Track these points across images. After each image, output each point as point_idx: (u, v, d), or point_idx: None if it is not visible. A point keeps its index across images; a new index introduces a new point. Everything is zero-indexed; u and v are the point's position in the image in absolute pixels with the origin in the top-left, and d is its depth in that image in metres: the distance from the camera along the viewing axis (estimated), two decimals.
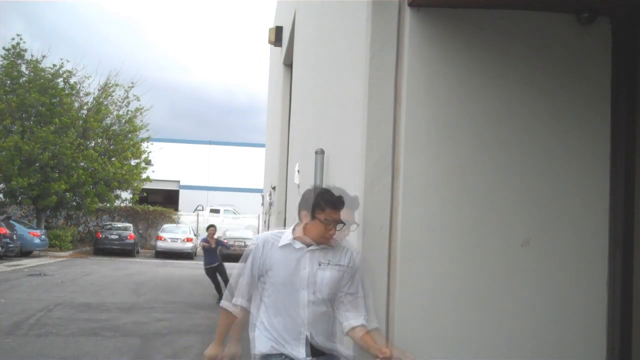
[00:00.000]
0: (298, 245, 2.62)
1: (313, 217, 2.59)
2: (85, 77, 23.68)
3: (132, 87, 23.34)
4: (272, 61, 13.13)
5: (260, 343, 2.65)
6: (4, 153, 19.44)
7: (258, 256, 2.66)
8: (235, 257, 15.45)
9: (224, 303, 2.73)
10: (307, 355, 2.58)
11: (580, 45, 2.85)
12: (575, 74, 2.84)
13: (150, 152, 24.06)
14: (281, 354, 2.59)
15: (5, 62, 20.69)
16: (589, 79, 2.85)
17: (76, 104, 21.89)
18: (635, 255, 2.72)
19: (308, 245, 2.61)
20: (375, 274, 2.79)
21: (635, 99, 2.75)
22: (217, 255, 10.31)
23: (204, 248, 10.45)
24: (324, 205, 2.57)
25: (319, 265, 2.59)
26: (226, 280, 9.92)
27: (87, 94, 22.57)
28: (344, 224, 2.57)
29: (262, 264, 2.64)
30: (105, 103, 22.73)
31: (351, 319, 2.60)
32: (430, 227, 2.75)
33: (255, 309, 2.71)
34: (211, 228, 10.62)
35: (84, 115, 21.71)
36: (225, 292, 2.76)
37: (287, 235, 2.67)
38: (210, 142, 36.06)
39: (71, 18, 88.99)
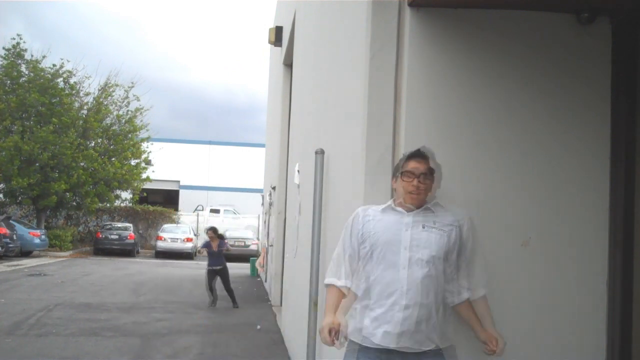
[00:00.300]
0: (399, 208, 2.51)
1: (399, 177, 2.51)
2: (85, 77, 23.76)
3: (132, 87, 23.38)
4: (272, 61, 13.13)
5: (350, 328, 2.52)
6: (4, 153, 19.44)
7: (357, 224, 2.56)
8: (235, 257, 15.33)
9: (330, 280, 2.62)
10: (395, 338, 2.38)
11: (580, 45, 2.85)
12: (575, 74, 2.84)
13: (150, 152, 24.06)
14: (367, 347, 2.44)
15: (5, 62, 20.69)
16: (589, 79, 2.85)
17: (76, 104, 21.89)
18: (635, 255, 2.72)
19: (408, 210, 2.50)
20: None
21: (635, 99, 2.75)
22: (222, 258, 9.97)
23: (208, 252, 10.05)
24: (404, 159, 2.52)
25: (422, 227, 2.46)
26: (228, 287, 9.74)
27: (87, 94, 22.58)
28: (429, 175, 2.46)
29: (361, 233, 2.54)
30: (105, 103, 22.73)
31: (455, 293, 2.50)
32: None
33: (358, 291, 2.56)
34: (209, 232, 10.21)
35: (84, 115, 21.71)
36: (330, 266, 2.64)
37: (387, 203, 2.57)
38: (210, 142, 36.06)
39: (71, 18, 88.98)
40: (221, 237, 10.27)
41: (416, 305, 2.39)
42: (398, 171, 2.52)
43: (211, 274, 9.78)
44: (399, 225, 2.47)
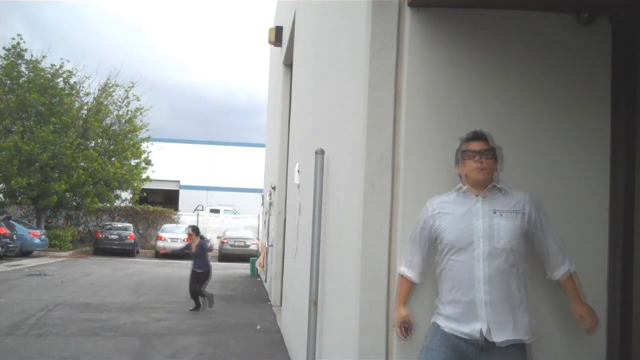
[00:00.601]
0: (468, 193, 2.50)
1: (461, 160, 2.54)
2: (85, 77, 23.83)
3: (132, 87, 23.37)
4: (272, 61, 13.13)
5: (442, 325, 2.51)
6: (3, 153, 19.43)
7: (428, 219, 2.57)
8: (235, 257, 15.26)
9: (401, 269, 2.65)
10: (482, 331, 2.36)
11: (580, 45, 2.85)
12: (575, 74, 2.84)
13: (150, 152, 24.06)
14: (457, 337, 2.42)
15: (5, 62, 20.68)
16: (589, 79, 2.85)
17: (76, 104, 21.88)
18: (635, 255, 2.72)
19: (477, 193, 2.49)
20: (375, 274, 2.79)
21: (635, 99, 2.75)
22: (206, 261, 9.13)
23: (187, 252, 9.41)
24: (464, 141, 2.55)
25: (495, 212, 2.45)
26: (201, 289, 8.98)
27: (87, 94, 22.58)
28: (489, 153, 2.47)
29: (433, 229, 2.55)
30: (106, 103, 22.73)
31: (548, 271, 2.54)
32: None
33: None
34: (188, 230, 9.38)
35: (84, 115, 21.70)
36: (404, 255, 2.67)
37: (456, 187, 2.57)
38: (210, 142, 36.06)
39: (71, 18, 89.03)
40: (202, 238, 9.41)
41: (502, 299, 2.38)
42: (460, 153, 2.55)
43: (193, 277, 9.06)
44: (471, 214, 2.47)
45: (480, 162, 2.46)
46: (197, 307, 8.93)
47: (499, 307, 2.38)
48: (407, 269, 2.64)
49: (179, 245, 19.46)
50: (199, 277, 8.98)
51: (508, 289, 2.40)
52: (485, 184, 2.49)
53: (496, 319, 2.38)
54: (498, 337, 2.37)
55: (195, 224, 26.28)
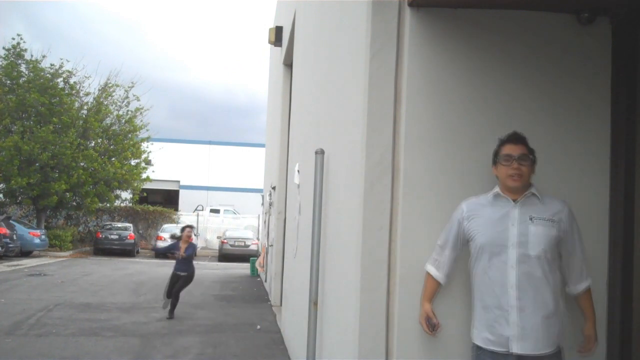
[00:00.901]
0: (505, 196, 2.47)
1: (498, 164, 2.51)
2: (85, 77, 23.78)
3: (132, 87, 23.37)
4: (272, 61, 13.13)
5: (475, 333, 2.51)
6: (3, 153, 19.42)
7: (462, 220, 2.54)
8: (235, 257, 15.16)
9: (428, 267, 2.63)
10: (513, 342, 2.35)
11: (580, 45, 2.85)
12: (575, 74, 2.84)
13: (150, 152, 24.06)
14: (492, 352, 2.42)
15: (5, 62, 20.68)
16: (589, 79, 2.85)
17: (76, 104, 21.88)
18: (635, 255, 2.72)
19: (514, 200, 2.46)
20: (375, 274, 2.79)
21: (635, 99, 2.75)
22: (191, 264, 8.58)
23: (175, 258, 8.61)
24: (500, 144, 2.52)
25: (530, 220, 2.42)
26: (177, 291, 8.35)
27: (87, 94, 22.57)
28: (526, 158, 2.44)
29: (467, 231, 2.52)
30: (106, 103, 22.73)
31: (571, 284, 2.52)
32: (430, 227, 2.75)
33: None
34: (187, 230, 8.63)
35: (84, 115, 21.70)
36: (433, 254, 2.65)
37: (493, 191, 2.53)
38: (210, 142, 36.07)
39: (71, 18, 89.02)
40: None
41: (533, 307, 2.37)
42: (496, 155, 2.53)
43: (175, 279, 8.47)
44: (506, 219, 2.44)
45: (518, 169, 2.43)
46: (172, 312, 8.29)
47: (530, 314, 2.37)
48: (434, 269, 2.63)
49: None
50: (179, 280, 8.41)
51: (541, 297, 2.38)
52: (521, 190, 2.47)
53: (525, 326, 2.37)
54: (527, 346, 2.37)
55: (194, 224, 26.44)
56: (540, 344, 2.38)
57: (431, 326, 2.61)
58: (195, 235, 24.66)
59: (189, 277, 8.53)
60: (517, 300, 2.37)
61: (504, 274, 2.40)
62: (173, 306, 8.32)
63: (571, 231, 2.48)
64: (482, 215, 2.50)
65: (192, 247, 8.57)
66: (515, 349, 2.37)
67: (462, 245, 2.59)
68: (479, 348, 2.50)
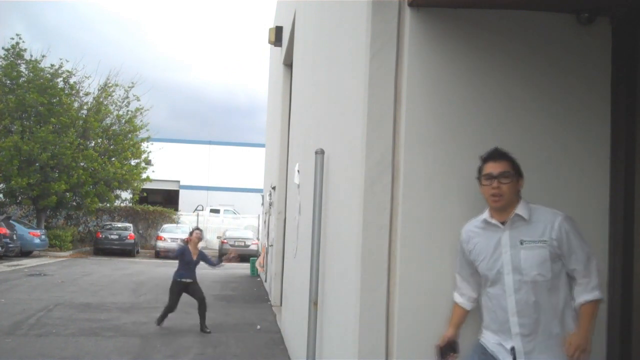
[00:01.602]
0: (494, 221, 2.44)
1: (480, 183, 2.49)
2: (85, 77, 23.75)
3: (132, 87, 23.39)
4: (272, 61, 13.13)
5: (486, 336, 2.53)
6: (3, 153, 19.43)
7: (466, 249, 2.55)
8: (236, 257, 15.02)
9: (454, 295, 2.65)
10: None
11: (580, 45, 2.85)
12: (575, 74, 2.84)
13: (150, 152, 24.06)
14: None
15: (5, 62, 20.67)
16: (589, 79, 2.85)
17: (76, 104, 21.89)
18: (635, 255, 2.72)
19: (503, 222, 2.42)
20: (375, 274, 2.79)
21: (635, 99, 2.75)
22: (194, 271, 7.62)
23: (179, 257, 7.57)
24: (483, 161, 2.49)
25: (521, 244, 2.37)
26: (201, 301, 7.51)
27: (87, 94, 22.58)
28: (508, 175, 2.38)
29: (471, 258, 2.52)
30: (105, 103, 22.73)
31: (574, 297, 2.41)
32: (430, 226, 2.75)
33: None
34: (196, 232, 7.73)
35: (83, 115, 21.70)
36: (456, 284, 2.65)
37: (484, 214, 2.51)
38: (210, 142, 36.08)
39: (71, 18, 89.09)
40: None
41: (536, 332, 2.35)
42: (479, 174, 2.50)
43: (178, 289, 7.52)
44: (498, 246, 2.42)
45: (498, 187, 2.39)
46: (161, 321, 7.58)
47: (533, 340, 2.36)
48: (458, 295, 2.65)
49: (174, 245, 19.24)
50: (188, 289, 7.54)
51: (543, 320, 2.35)
52: (505, 209, 2.43)
53: (531, 351, 2.35)
54: None
55: (194, 224, 26.44)
56: (549, 357, 2.37)
57: (441, 353, 2.56)
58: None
59: (196, 284, 7.62)
60: (519, 327, 2.36)
61: (504, 301, 2.40)
62: (203, 322, 7.48)
63: (564, 245, 2.36)
64: (477, 243, 2.51)
65: (201, 255, 7.64)
66: None
67: (474, 269, 2.56)
68: (485, 349, 2.50)
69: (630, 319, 2.71)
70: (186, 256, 7.49)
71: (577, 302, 2.41)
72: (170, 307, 7.54)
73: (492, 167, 2.43)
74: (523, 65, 2.82)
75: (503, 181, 2.40)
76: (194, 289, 7.56)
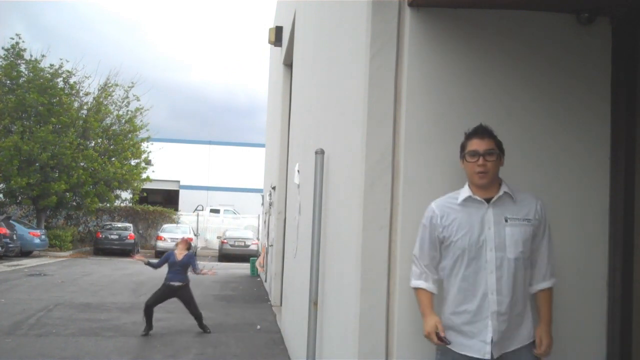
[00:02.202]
0: (478, 197, 2.39)
1: (464, 159, 2.45)
2: (85, 77, 23.77)
3: (132, 87, 23.38)
4: (272, 61, 13.13)
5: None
6: (3, 153, 19.42)
7: (436, 226, 2.45)
8: (235, 257, 15.05)
9: (416, 283, 2.51)
10: (492, 347, 2.32)
11: (580, 45, 2.85)
12: (575, 74, 2.84)
13: (150, 152, 24.07)
14: (467, 357, 2.37)
15: (5, 62, 20.67)
16: (589, 79, 2.85)
17: (76, 104, 21.89)
18: (635, 255, 2.72)
19: (487, 200, 2.39)
20: (375, 274, 2.79)
21: (635, 99, 2.75)
22: (186, 273, 7.35)
23: (169, 261, 7.36)
24: (466, 138, 2.46)
25: (506, 221, 2.36)
26: (194, 311, 7.33)
27: (87, 94, 22.58)
28: (493, 152, 2.37)
29: (442, 235, 2.44)
30: (105, 103, 22.73)
31: (531, 282, 2.44)
32: None
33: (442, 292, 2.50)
34: (184, 242, 7.62)
35: (83, 115, 21.71)
36: (413, 269, 2.55)
37: (464, 191, 2.45)
38: (210, 142, 36.08)
39: (71, 18, 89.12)
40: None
41: (510, 310, 2.34)
42: (463, 150, 2.46)
43: (164, 292, 7.27)
44: (481, 222, 2.38)
45: (483, 165, 2.37)
46: (150, 327, 7.15)
47: (509, 317, 2.36)
48: (422, 281, 2.51)
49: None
50: (177, 293, 7.27)
51: (516, 297, 2.37)
52: (490, 186, 2.42)
53: (505, 329, 2.36)
54: (505, 346, 2.37)
55: (194, 224, 26.43)
56: (517, 340, 2.40)
57: (441, 338, 2.47)
58: (195, 235, 24.66)
59: (187, 288, 7.35)
60: (497, 305, 2.34)
61: (483, 279, 2.36)
62: (200, 324, 7.33)
63: (541, 228, 2.42)
64: (455, 219, 2.43)
65: (188, 255, 7.38)
66: (496, 353, 2.36)
67: (441, 252, 2.49)
68: (448, 350, 2.44)
69: (630, 319, 2.71)
70: (170, 258, 7.33)
71: (538, 286, 2.46)
72: (147, 303, 7.18)
73: (478, 145, 2.41)
74: (523, 65, 2.82)
75: (488, 158, 2.39)
76: (184, 294, 7.28)
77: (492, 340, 2.35)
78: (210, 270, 7.64)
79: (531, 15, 2.83)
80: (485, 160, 2.38)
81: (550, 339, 2.44)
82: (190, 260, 7.38)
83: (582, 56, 2.85)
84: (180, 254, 7.34)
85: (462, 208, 2.44)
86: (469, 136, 2.47)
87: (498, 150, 2.43)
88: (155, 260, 7.71)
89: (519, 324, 2.41)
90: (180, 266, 7.25)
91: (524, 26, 2.83)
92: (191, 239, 7.87)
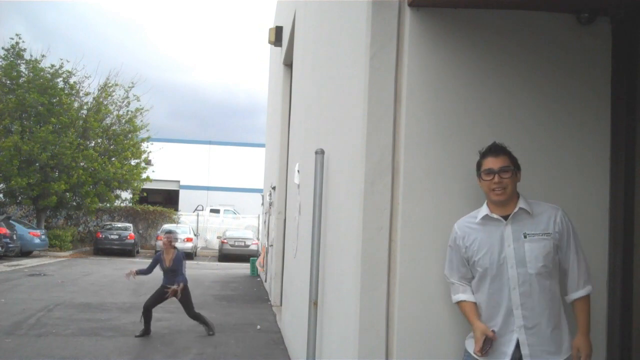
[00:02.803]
0: (495, 215, 2.43)
1: (480, 178, 2.49)
2: (85, 77, 23.80)
3: (132, 87, 23.39)
4: (272, 61, 13.13)
5: (470, 343, 2.53)
6: (3, 153, 19.43)
7: (460, 247, 2.51)
8: (235, 257, 15.01)
9: (455, 297, 2.58)
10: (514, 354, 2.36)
11: (580, 46, 2.85)
12: (575, 74, 2.84)
13: (150, 152, 24.07)
14: None
15: (5, 62, 20.67)
16: (589, 79, 2.85)
17: (76, 104, 21.90)
18: (635, 255, 2.72)
19: (505, 217, 2.42)
20: (375, 274, 2.79)
21: (635, 99, 2.75)
22: (181, 274, 7.07)
23: (160, 267, 7.17)
24: (481, 157, 2.49)
25: (525, 237, 2.39)
26: (192, 313, 7.18)
27: (87, 94, 22.58)
28: (508, 169, 2.40)
29: (467, 256, 2.49)
30: (105, 103, 22.74)
31: (566, 292, 2.44)
32: (430, 227, 2.75)
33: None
34: (166, 236, 7.22)
35: (83, 115, 21.71)
36: (451, 289, 2.61)
37: (482, 210, 2.49)
38: (210, 142, 36.08)
39: (72, 19, 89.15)
40: (176, 248, 7.33)
41: (539, 323, 2.37)
42: (479, 169, 2.50)
43: (162, 294, 7.06)
44: (501, 240, 2.42)
45: (500, 182, 2.41)
46: (147, 331, 7.04)
47: (539, 332, 2.38)
48: (460, 294, 2.56)
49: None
50: (176, 294, 7.02)
51: (547, 312, 2.38)
52: (507, 203, 2.44)
53: (534, 343, 2.37)
54: None
55: (194, 224, 26.42)
56: (551, 356, 2.39)
57: (485, 345, 2.44)
58: (195, 235, 24.65)
59: (185, 290, 7.10)
60: (523, 319, 2.38)
61: (507, 296, 2.40)
62: (205, 324, 7.20)
63: (564, 238, 2.43)
64: (476, 239, 2.48)
65: (177, 259, 7.08)
66: None
67: (467, 263, 2.54)
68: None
69: (630, 319, 2.71)
70: (160, 264, 7.13)
71: (572, 296, 2.46)
72: (145, 305, 7.08)
73: (492, 162, 2.44)
74: (523, 65, 2.82)
75: (504, 175, 2.42)
76: (181, 296, 7.07)
77: (518, 354, 2.37)
78: (171, 293, 6.97)
79: (531, 15, 2.82)
80: (500, 178, 2.42)
81: (590, 349, 2.43)
82: (177, 267, 7.06)
83: (582, 56, 2.85)
84: (168, 259, 7.08)
85: (481, 227, 2.48)
86: (484, 155, 2.51)
87: (513, 167, 2.45)
88: (144, 268, 7.42)
89: (555, 336, 2.40)
90: (171, 271, 7.08)
91: (524, 26, 2.83)
92: (172, 236, 7.24)
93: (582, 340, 2.43)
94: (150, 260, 7.55)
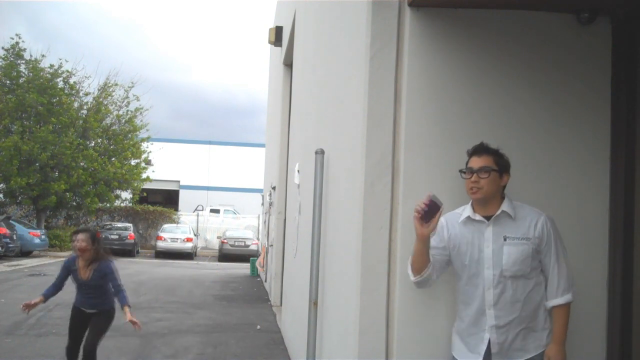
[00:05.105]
0: (478, 217, 2.45)
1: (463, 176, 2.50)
2: (85, 77, 23.78)
3: (132, 87, 23.40)
4: (272, 61, 13.13)
5: (453, 345, 2.59)
6: (3, 153, 19.43)
7: (443, 234, 2.53)
8: (235, 257, 15.06)
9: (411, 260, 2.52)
10: (490, 358, 2.40)
11: (580, 45, 2.85)
12: (575, 74, 2.84)
13: (150, 152, 24.07)
14: None
15: (5, 62, 20.67)
16: (589, 79, 2.85)
17: (76, 104, 21.90)
18: (635, 255, 2.72)
19: (488, 218, 2.44)
20: (375, 274, 2.79)
21: (635, 99, 2.75)
22: (102, 298, 4.75)
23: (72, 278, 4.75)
24: (468, 156, 2.51)
25: (505, 240, 2.40)
26: (94, 342, 4.55)
27: (87, 94, 22.58)
28: (488, 169, 2.40)
29: (448, 242, 2.51)
30: (105, 103, 22.74)
31: (547, 297, 2.43)
32: None
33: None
34: (79, 236, 4.60)
35: (83, 115, 21.71)
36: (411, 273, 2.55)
37: (466, 209, 2.51)
38: (210, 142, 36.08)
39: (72, 19, 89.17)
40: (105, 253, 4.76)
41: (511, 323, 2.39)
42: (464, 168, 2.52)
43: (77, 319, 4.74)
44: (480, 241, 2.44)
45: (476, 182, 2.43)
46: None
47: (508, 330, 2.40)
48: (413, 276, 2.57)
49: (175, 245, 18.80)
50: (91, 320, 4.67)
51: (519, 313, 2.40)
52: (485, 202, 2.45)
53: (505, 341, 2.40)
54: (511, 358, 2.41)
55: (194, 224, 26.43)
56: (520, 352, 2.42)
57: (428, 216, 2.40)
58: (195, 235, 24.63)
59: (107, 316, 4.79)
60: (495, 319, 2.40)
61: (482, 295, 2.43)
62: None
63: (546, 244, 2.42)
64: (457, 234, 2.51)
65: (101, 270, 4.60)
66: None
67: (448, 252, 2.55)
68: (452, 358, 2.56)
69: (630, 319, 2.71)
70: (74, 276, 4.73)
71: (549, 304, 2.45)
72: (69, 346, 4.68)
73: (474, 162, 2.47)
74: (523, 65, 2.82)
75: (482, 175, 2.43)
76: (96, 323, 4.67)
77: (489, 352, 2.41)
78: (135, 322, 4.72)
79: (531, 15, 2.82)
80: (478, 177, 2.43)
81: (562, 358, 2.40)
82: (105, 278, 4.61)
83: (582, 56, 2.85)
84: (84, 269, 4.63)
85: (463, 224, 2.51)
86: (470, 154, 2.53)
87: (496, 168, 2.44)
88: (49, 287, 5.05)
89: (525, 335, 2.41)
90: (92, 288, 4.64)
91: (524, 26, 2.83)
92: (82, 242, 4.59)
93: (554, 349, 2.41)
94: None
